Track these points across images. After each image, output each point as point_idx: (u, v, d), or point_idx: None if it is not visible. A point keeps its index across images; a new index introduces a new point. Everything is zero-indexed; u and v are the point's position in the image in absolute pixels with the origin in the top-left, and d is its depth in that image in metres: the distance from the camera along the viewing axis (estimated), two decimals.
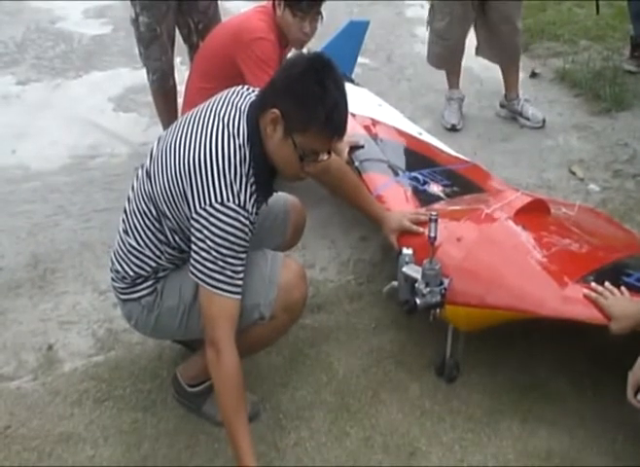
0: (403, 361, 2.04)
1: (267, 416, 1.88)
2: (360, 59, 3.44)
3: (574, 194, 2.75)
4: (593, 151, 3.06)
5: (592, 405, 1.88)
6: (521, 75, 3.69)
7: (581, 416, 1.86)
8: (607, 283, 1.76)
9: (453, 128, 3.21)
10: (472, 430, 1.83)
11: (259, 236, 1.68)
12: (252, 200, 1.57)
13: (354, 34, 3.22)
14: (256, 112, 1.59)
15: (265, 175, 1.61)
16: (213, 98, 1.70)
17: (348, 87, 2.62)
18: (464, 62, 3.29)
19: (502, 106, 3.35)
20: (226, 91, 1.70)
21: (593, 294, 1.74)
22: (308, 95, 1.52)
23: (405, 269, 1.88)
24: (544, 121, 3.23)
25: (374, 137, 2.65)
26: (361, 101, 2.88)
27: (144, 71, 2.91)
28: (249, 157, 1.57)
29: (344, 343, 2.11)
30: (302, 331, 2.13)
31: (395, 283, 1.95)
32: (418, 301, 1.83)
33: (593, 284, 1.77)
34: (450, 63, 3.27)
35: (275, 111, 1.54)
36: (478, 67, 3.63)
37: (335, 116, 1.55)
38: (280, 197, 1.89)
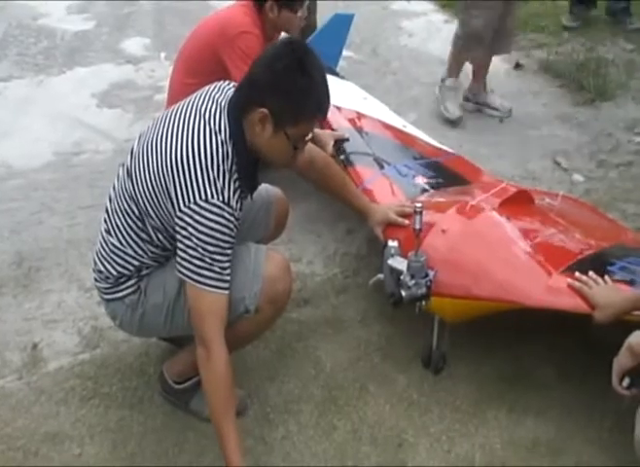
0: (390, 353, 2.05)
1: (255, 411, 1.88)
2: (345, 53, 3.43)
3: (558, 184, 2.76)
4: (577, 141, 3.07)
5: (579, 393, 1.89)
6: (506, 66, 3.72)
7: (567, 405, 1.87)
8: (591, 272, 1.77)
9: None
10: (459, 421, 1.84)
11: (242, 229, 1.67)
12: (236, 196, 1.56)
13: (339, 27, 3.21)
14: (239, 111, 1.57)
15: (248, 170, 1.61)
16: (194, 94, 1.68)
17: (334, 80, 2.61)
18: (449, 54, 3.31)
19: (467, 99, 3.34)
20: (207, 87, 1.69)
21: (577, 283, 1.75)
22: (298, 89, 1.52)
23: (390, 262, 1.88)
24: (510, 110, 3.23)
25: (360, 130, 2.64)
26: (346, 95, 2.87)
27: (129, 67, 2.88)
28: (232, 153, 1.56)
29: (331, 337, 2.11)
30: (289, 325, 2.13)
31: (381, 276, 1.95)
32: (404, 293, 1.83)
33: (577, 274, 1.78)
34: None
35: (264, 110, 1.53)
36: None
37: (323, 101, 1.56)
38: (263, 190, 1.88)
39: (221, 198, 1.52)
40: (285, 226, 2.04)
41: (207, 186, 1.52)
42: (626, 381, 1.48)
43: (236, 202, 1.56)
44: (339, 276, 2.35)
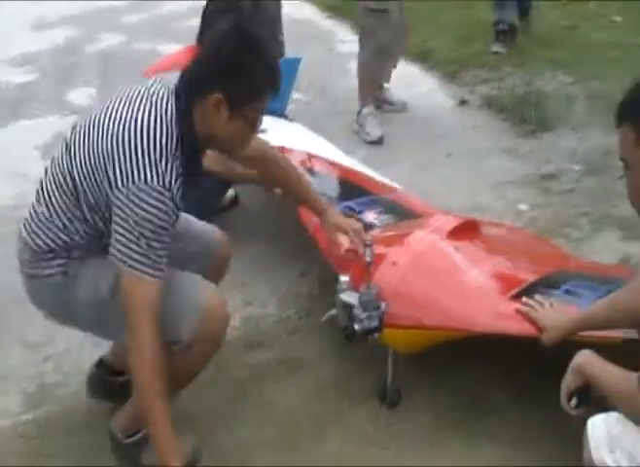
0: (345, 390, 2.01)
1: (208, 459, 1.81)
2: (293, 95, 3.48)
3: (505, 214, 2.81)
4: (522, 171, 3.14)
5: (532, 415, 1.88)
6: (451, 102, 3.82)
7: (521, 427, 1.86)
8: (537, 296, 1.80)
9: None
10: (416, 453, 1.81)
11: (180, 260, 1.64)
12: (177, 182, 1.52)
13: (287, 71, 3.22)
14: (188, 99, 1.56)
15: (192, 155, 1.59)
16: (150, 79, 1.66)
17: (283, 123, 2.63)
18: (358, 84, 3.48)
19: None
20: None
21: (525, 308, 1.77)
22: (248, 69, 1.53)
23: (342, 296, 1.88)
24: (405, 105, 3.65)
25: (310, 170, 2.67)
26: (295, 136, 2.91)
27: (74, 118, 2.85)
28: (177, 137, 1.54)
29: (285, 378, 2.07)
30: (240, 370, 2.09)
31: (334, 311, 1.94)
32: (357, 326, 1.82)
33: (524, 299, 1.80)
34: None
35: (218, 95, 1.52)
36: (405, 95, 3.72)
37: (275, 74, 1.57)
38: (205, 226, 1.87)
39: (161, 182, 1.49)
40: (227, 267, 1.96)
41: (147, 168, 1.48)
42: (574, 401, 1.48)
43: (177, 189, 1.52)
44: (293, 317, 2.32)
